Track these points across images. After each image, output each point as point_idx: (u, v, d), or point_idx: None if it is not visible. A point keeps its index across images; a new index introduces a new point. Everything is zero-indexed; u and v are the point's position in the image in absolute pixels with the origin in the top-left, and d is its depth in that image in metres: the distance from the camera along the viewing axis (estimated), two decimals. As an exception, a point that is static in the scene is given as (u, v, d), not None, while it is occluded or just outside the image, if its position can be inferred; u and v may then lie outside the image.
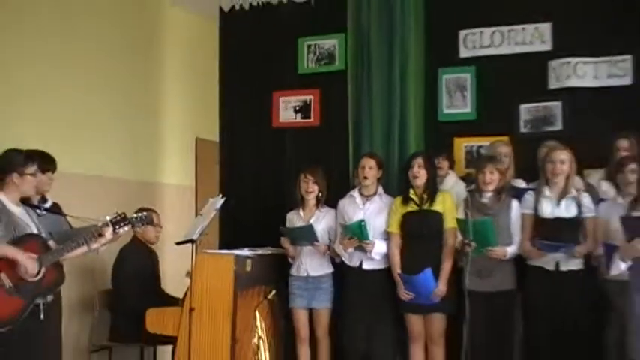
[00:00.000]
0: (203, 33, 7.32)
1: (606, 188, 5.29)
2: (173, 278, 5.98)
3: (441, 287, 5.19)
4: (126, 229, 4.28)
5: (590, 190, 5.25)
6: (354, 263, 5.53)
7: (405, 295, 5.26)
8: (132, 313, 5.44)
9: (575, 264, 5.00)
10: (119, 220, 4.24)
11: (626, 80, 5.78)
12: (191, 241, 4.87)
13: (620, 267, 4.36)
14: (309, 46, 6.57)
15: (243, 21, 6.77)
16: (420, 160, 5.39)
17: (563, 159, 5.05)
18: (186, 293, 5.12)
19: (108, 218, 4.23)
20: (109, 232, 4.28)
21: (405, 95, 6.16)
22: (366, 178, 5.57)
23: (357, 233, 5.37)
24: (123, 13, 6.80)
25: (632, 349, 4.31)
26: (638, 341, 4.27)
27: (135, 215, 4.53)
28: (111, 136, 6.51)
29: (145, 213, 4.62)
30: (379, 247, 5.44)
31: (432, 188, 5.39)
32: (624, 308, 4.66)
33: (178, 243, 4.99)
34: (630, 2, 5.76)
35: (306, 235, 5.54)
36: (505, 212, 5.19)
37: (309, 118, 6.54)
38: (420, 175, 5.35)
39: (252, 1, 6.72)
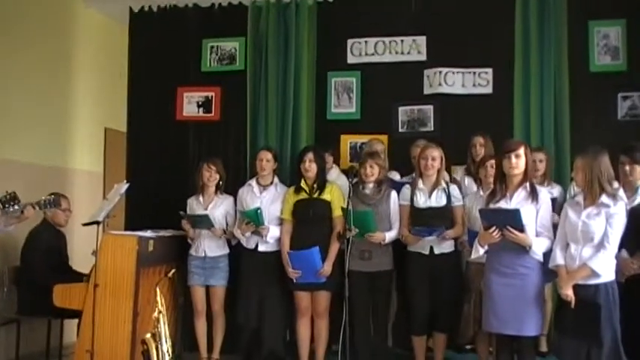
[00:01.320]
0: (114, 32, 7.23)
1: (468, 182, 5.57)
2: (82, 258, 5.90)
3: (326, 267, 5.32)
4: (16, 207, 4.14)
5: (456, 183, 5.48)
6: (250, 246, 5.60)
7: (292, 273, 5.38)
8: (39, 288, 5.37)
9: (446, 247, 5.21)
10: (9, 199, 4.12)
11: (488, 89, 6.09)
12: (96, 222, 4.84)
13: (479, 251, 4.56)
14: (212, 47, 6.57)
15: (152, 21, 6.72)
16: (310, 155, 5.50)
17: (434, 156, 5.22)
18: (91, 270, 5.08)
19: None
20: None
21: (297, 95, 6.28)
22: (263, 169, 5.66)
23: (253, 219, 5.45)
24: (40, 11, 6.64)
25: (487, 320, 4.52)
26: (490, 313, 4.48)
27: (43, 198, 4.47)
28: (22, 123, 6.34)
29: (53, 196, 4.56)
30: (273, 232, 5.54)
31: (322, 179, 5.52)
32: (480, 287, 4.92)
33: (85, 224, 4.96)
34: (493, 24, 6.06)
35: (203, 222, 5.60)
36: (385, 202, 5.34)
37: (211, 112, 6.54)
38: (310, 168, 5.47)
39: (161, 3, 6.69)
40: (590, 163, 4.18)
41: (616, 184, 4.36)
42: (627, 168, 4.69)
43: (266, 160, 5.66)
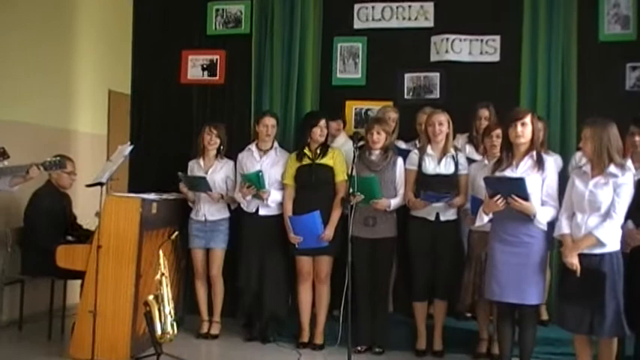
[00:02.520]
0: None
1: (470, 150, 5.50)
2: (85, 220, 5.87)
3: (327, 232, 5.29)
4: (5, 163, 4.06)
5: (457, 151, 5.41)
6: (251, 210, 5.58)
7: (294, 238, 5.34)
8: (42, 249, 5.34)
9: (450, 215, 5.19)
10: None
11: (495, 57, 6.00)
12: (100, 184, 4.78)
13: (483, 219, 4.51)
14: (217, 10, 6.48)
15: (158, -16, 6.62)
16: (324, 122, 5.46)
17: (442, 120, 5.17)
18: (94, 232, 5.04)
19: None
20: None
21: (303, 60, 6.21)
22: (268, 135, 5.60)
23: (254, 182, 5.41)
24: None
25: (488, 288, 4.50)
26: (493, 281, 4.45)
27: (48, 159, 4.40)
28: (27, 85, 6.27)
29: (58, 158, 4.49)
30: (274, 196, 5.50)
31: (324, 144, 5.48)
32: (481, 255, 4.92)
33: (88, 185, 4.91)
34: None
35: (201, 184, 5.56)
36: (391, 169, 5.29)
37: (215, 76, 6.48)
38: (324, 134, 5.44)
39: (166, -35, 6.59)
40: (599, 133, 4.12)
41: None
42: (637, 139, 4.61)
43: (271, 126, 5.61)
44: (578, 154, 4.96)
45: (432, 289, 5.29)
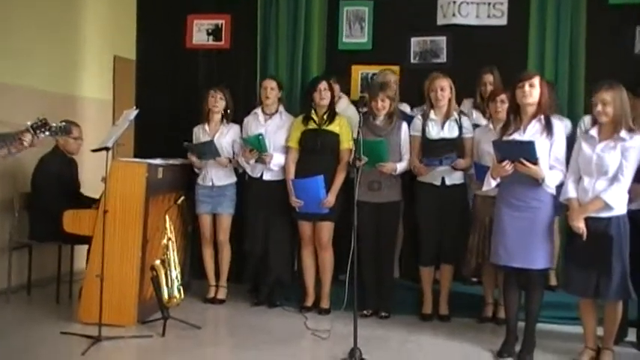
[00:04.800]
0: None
1: (476, 115, 5.44)
2: (91, 185, 5.84)
3: (330, 198, 5.25)
4: (47, 133, 4.03)
5: (465, 116, 5.35)
6: (256, 174, 5.55)
7: (295, 202, 5.31)
8: (49, 214, 5.32)
9: (457, 179, 5.17)
10: (40, 126, 4.00)
11: (503, 21, 5.90)
12: (106, 148, 4.73)
13: (491, 184, 4.45)
14: (223, -26, 6.39)
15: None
16: (324, 84, 5.39)
17: (443, 85, 5.12)
18: (101, 197, 5.02)
19: (29, 123, 3.99)
20: (28, 137, 4.04)
21: (308, 24, 6.15)
22: (267, 97, 5.54)
23: (255, 145, 5.37)
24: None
25: (495, 252, 4.47)
26: (499, 246, 4.41)
27: (55, 124, 4.32)
28: (32, 50, 6.20)
29: (64, 123, 4.42)
30: (277, 159, 5.46)
31: (332, 110, 5.41)
32: (485, 220, 4.89)
33: (94, 150, 4.85)
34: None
35: (209, 150, 5.51)
36: (396, 133, 5.25)
37: (221, 41, 6.41)
38: (325, 96, 5.36)
39: None
40: (620, 97, 4.07)
41: None
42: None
43: (270, 89, 5.55)
44: (587, 118, 4.91)
45: (438, 255, 5.27)
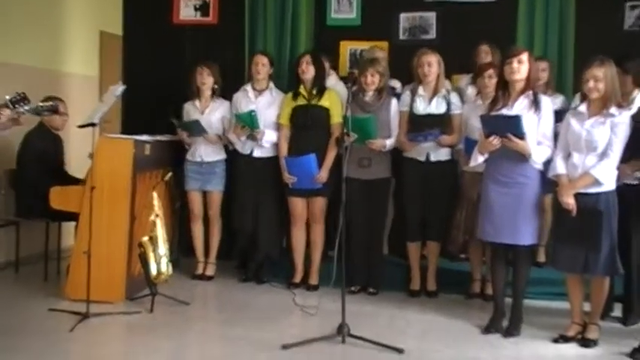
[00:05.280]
0: None
1: (471, 92, 5.41)
2: (77, 161, 5.79)
3: (322, 174, 5.24)
4: (26, 108, 3.97)
5: (459, 92, 5.34)
6: (246, 151, 5.52)
7: (288, 178, 5.29)
8: (35, 190, 5.28)
9: (442, 155, 5.16)
10: (19, 100, 3.93)
11: (492, -4, 5.86)
12: (92, 124, 4.68)
13: (478, 160, 4.45)
14: (210, -52, 6.31)
15: None
16: (307, 58, 5.35)
17: (430, 61, 5.10)
18: (88, 173, 4.97)
19: (7, 97, 3.92)
20: (7, 112, 3.93)
21: (297, 0, 6.08)
22: (259, 73, 5.49)
23: (247, 122, 5.33)
24: None
25: (482, 228, 4.48)
26: (486, 222, 4.42)
27: (41, 104, 4.25)
28: (17, 25, 6.11)
29: (51, 102, 4.36)
30: (269, 136, 5.43)
31: (320, 85, 5.37)
32: (473, 196, 4.88)
33: (80, 126, 4.79)
34: None
35: (195, 128, 5.48)
36: (385, 109, 5.23)
37: (208, 16, 6.35)
38: (308, 70, 5.31)
39: None
40: (611, 73, 4.07)
41: None
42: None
43: (261, 65, 5.50)
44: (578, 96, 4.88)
45: (424, 230, 5.28)
